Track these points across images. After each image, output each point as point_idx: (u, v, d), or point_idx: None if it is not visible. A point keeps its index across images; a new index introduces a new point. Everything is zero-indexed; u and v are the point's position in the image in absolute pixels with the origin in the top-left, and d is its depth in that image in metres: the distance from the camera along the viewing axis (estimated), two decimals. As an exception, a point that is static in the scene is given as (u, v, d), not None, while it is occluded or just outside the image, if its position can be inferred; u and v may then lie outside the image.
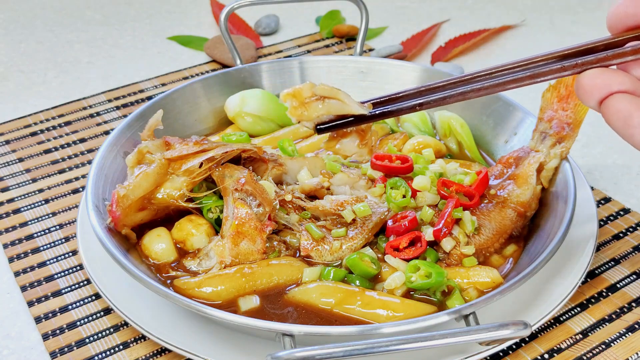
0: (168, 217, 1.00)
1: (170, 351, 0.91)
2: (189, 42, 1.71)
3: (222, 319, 0.80)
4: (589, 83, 0.71)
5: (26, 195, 1.20)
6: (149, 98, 1.47)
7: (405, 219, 0.94)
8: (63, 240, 1.11)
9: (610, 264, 1.04)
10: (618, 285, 1.00)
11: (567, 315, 0.96)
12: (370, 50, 1.65)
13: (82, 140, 1.34)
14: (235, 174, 0.96)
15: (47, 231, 1.12)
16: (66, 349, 0.92)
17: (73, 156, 1.30)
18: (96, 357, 0.91)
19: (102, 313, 0.97)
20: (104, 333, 0.94)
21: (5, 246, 1.10)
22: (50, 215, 1.16)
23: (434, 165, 1.07)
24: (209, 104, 1.25)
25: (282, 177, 1.04)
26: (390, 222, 0.96)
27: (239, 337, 0.89)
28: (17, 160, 1.29)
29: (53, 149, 1.32)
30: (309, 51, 1.66)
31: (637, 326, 0.94)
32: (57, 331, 0.95)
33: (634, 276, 1.02)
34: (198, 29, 1.78)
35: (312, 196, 1.02)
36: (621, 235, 1.10)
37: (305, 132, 1.21)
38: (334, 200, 0.98)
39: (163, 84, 1.53)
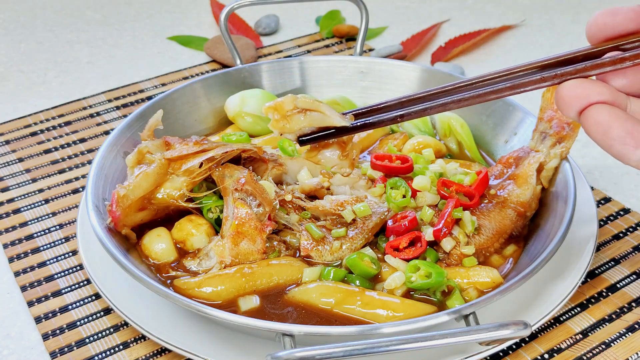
0: (168, 217, 1.00)
1: (170, 351, 0.91)
2: (189, 42, 1.71)
3: (222, 319, 0.80)
4: (568, 94, 0.71)
5: (26, 195, 1.20)
6: (149, 98, 1.47)
7: (405, 219, 0.95)
8: (63, 240, 1.11)
9: (610, 264, 1.04)
10: (618, 285, 1.00)
11: (567, 315, 0.96)
12: (370, 50, 1.65)
13: (82, 140, 1.34)
14: (235, 174, 0.96)
15: (47, 231, 1.12)
16: (66, 349, 0.92)
17: (73, 156, 1.30)
18: (96, 357, 0.91)
19: (102, 313, 0.97)
20: (104, 333, 0.94)
21: (5, 246, 1.10)
22: (50, 215, 1.16)
23: (434, 165, 1.07)
24: (209, 104, 1.25)
25: (282, 177, 1.04)
26: (390, 222, 0.96)
27: (239, 337, 0.89)
28: (17, 160, 1.29)
29: (53, 149, 1.32)
30: (309, 51, 1.66)
31: (637, 326, 0.94)
32: (57, 331, 0.95)
33: (634, 276, 1.02)
34: (198, 29, 1.78)
35: (312, 196, 1.02)
36: (621, 235, 1.10)
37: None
38: (334, 200, 0.98)
39: (163, 84, 1.53)
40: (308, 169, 1.03)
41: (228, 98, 1.24)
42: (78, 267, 1.05)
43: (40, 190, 1.21)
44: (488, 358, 0.89)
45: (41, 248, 1.09)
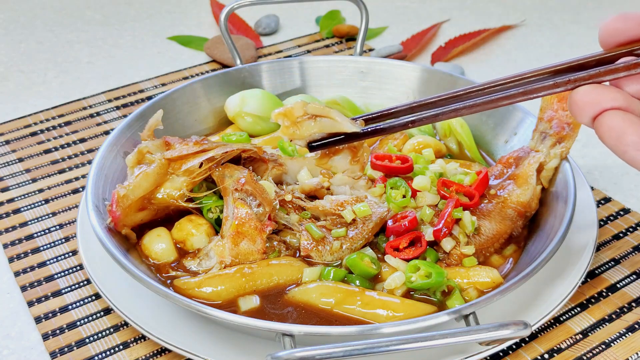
0: (168, 217, 1.00)
1: (170, 351, 0.91)
2: (189, 42, 1.71)
3: (222, 319, 0.80)
4: (581, 100, 0.71)
5: (26, 195, 1.20)
6: (149, 98, 1.47)
7: (405, 219, 0.95)
8: (63, 240, 1.11)
9: (610, 264, 1.04)
10: (618, 285, 1.00)
11: (567, 315, 0.96)
12: (370, 50, 1.65)
13: (82, 140, 1.34)
14: (235, 174, 0.96)
15: (47, 231, 1.12)
16: (66, 349, 0.92)
17: (73, 156, 1.30)
18: (96, 357, 0.91)
19: (102, 313, 0.97)
20: (104, 333, 0.94)
21: (5, 246, 1.10)
22: (50, 215, 1.16)
23: (434, 165, 1.07)
24: (209, 104, 1.25)
25: (282, 177, 1.04)
26: (390, 222, 0.96)
27: (239, 337, 0.89)
28: (17, 160, 1.29)
29: (53, 149, 1.32)
30: (309, 51, 1.66)
31: (637, 326, 0.94)
32: (57, 331, 0.95)
33: (634, 276, 1.02)
34: (198, 29, 1.78)
35: (312, 196, 1.02)
36: (621, 235, 1.10)
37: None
38: (334, 200, 0.98)
39: (163, 84, 1.53)
40: (308, 169, 1.03)
41: (228, 98, 1.24)
42: (78, 267, 1.05)
43: (40, 190, 1.21)
44: (488, 358, 0.89)
45: (41, 248, 1.09)
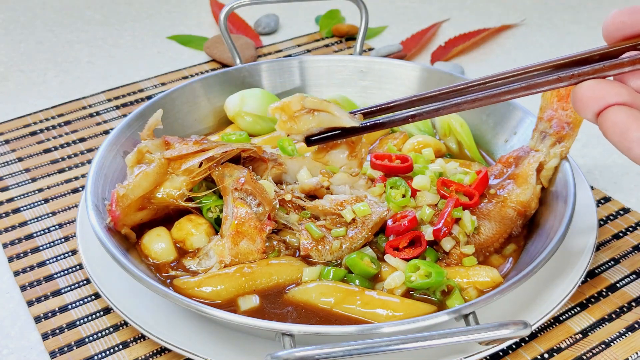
0: (168, 217, 1.00)
1: (169, 351, 0.91)
2: (188, 41, 1.71)
3: (222, 318, 0.80)
4: (585, 95, 0.69)
5: (26, 195, 1.20)
6: (149, 98, 1.47)
7: (405, 219, 0.94)
8: (63, 239, 1.11)
9: (610, 264, 1.04)
10: (618, 285, 1.00)
11: (567, 315, 0.96)
12: (370, 49, 1.65)
13: (82, 140, 1.34)
14: (235, 173, 0.96)
15: (46, 231, 1.12)
16: (66, 349, 0.92)
17: (73, 156, 1.30)
18: (96, 357, 0.91)
19: (101, 313, 0.97)
20: (103, 333, 0.94)
21: (4, 246, 1.10)
22: (50, 214, 1.16)
23: (433, 164, 1.06)
24: (208, 103, 1.25)
25: (282, 176, 1.04)
26: (390, 222, 0.96)
27: (238, 336, 0.89)
28: (17, 160, 1.29)
29: (53, 149, 1.32)
30: (308, 50, 1.66)
31: (636, 326, 0.94)
32: (57, 331, 0.95)
33: (634, 276, 1.02)
34: (198, 28, 1.78)
35: (312, 196, 1.02)
36: (621, 234, 1.10)
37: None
38: (333, 200, 0.98)
39: (163, 84, 1.53)
40: (308, 168, 1.03)
41: (228, 97, 1.24)
42: (78, 267, 1.05)
43: (40, 190, 1.21)
44: (488, 358, 0.89)
45: (41, 248, 1.09)
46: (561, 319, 0.95)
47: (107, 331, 0.95)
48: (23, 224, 1.14)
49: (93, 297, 1.00)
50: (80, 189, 1.21)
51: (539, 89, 0.78)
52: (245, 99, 1.21)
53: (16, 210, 1.17)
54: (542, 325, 0.94)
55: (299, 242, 0.95)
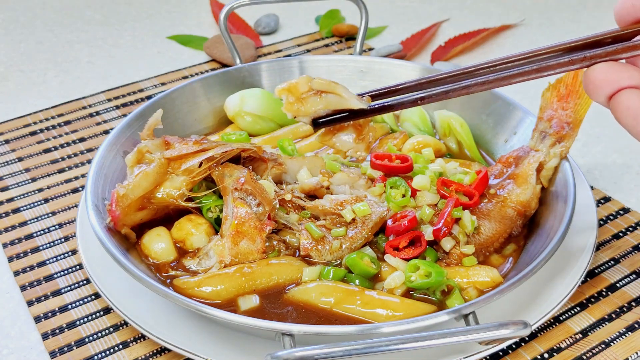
0: (168, 217, 1.00)
1: (169, 351, 0.91)
2: (188, 41, 1.71)
3: (222, 318, 0.80)
4: (598, 77, 0.68)
5: (26, 195, 1.20)
6: (149, 97, 1.47)
7: (405, 219, 0.94)
8: (62, 239, 1.11)
9: (610, 264, 1.04)
10: (618, 285, 1.00)
11: (566, 315, 0.96)
12: (370, 49, 1.65)
13: (82, 140, 1.34)
14: (235, 173, 0.96)
15: (46, 231, 1.12)
16: (66, 349, 0.92)
17: (72, 155, 1.30)
18: (96, 357, 0.91)
19: (101, 312, 0.97)
20: (103, 332, 0.94)
21: (4, 246, 1.10)
22: (50, 214, 1.16)
23: (433, 164, 1.06)
24: (208, 103, 1.25)
25: (282, 176, 1.04)
26: (390, 222, 0.96)
27: (238, 336, 0.89)
28: (17, 160, 1.29)
29: (52, 149, 1.32)
30: (308, 50, 1.66)
31: (636, 325, 0.94)
32: (57, 331, 0.95)
33: (634, 275, 1.02)
34: (198, 28, 1.78)
35: (312, 195, 1.02)
36: (621, 234, 1.09)
37: (305, 131, 1.21)
38: (333, 200, 0.98)
39: (163, 84, 1.53)
40: (308, 168, 1.03)
41: (228, 97, 1.24)
42: (77, 267, 1.05)
43: (40, 190, 1.21)
44: (488, 357, 0.89)
45: (41, 247, 1.09)
46: (561, 318, 0.95)
47: (107, 331, 0.95)
48: (23, 224, 1.14)
49: (93, 297, 1.00)
50: (80, 189, 1.21)
51: (550, 72, 0.76)
52: (245, 99, 1.21)
53: (16, 210, 1.17)
54: (542, 325, 0.94)
55: (299, 242, 0.95)
